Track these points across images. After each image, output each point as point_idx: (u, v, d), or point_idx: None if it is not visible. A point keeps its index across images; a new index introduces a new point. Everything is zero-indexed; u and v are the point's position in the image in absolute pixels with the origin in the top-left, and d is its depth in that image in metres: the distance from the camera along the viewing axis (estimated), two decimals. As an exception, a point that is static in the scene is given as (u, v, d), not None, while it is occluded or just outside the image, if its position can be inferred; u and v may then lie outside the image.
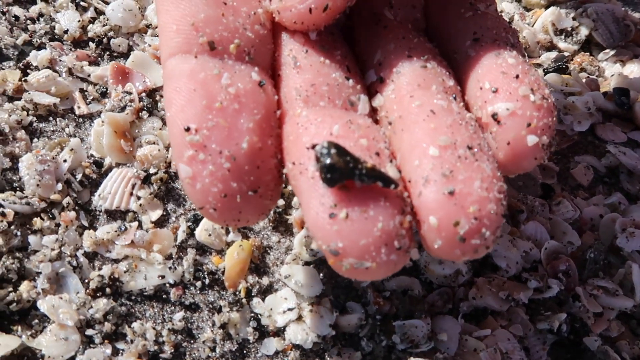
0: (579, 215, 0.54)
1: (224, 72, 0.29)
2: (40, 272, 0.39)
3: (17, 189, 0.43)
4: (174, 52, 0.30)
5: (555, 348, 0.45)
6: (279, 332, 0.42)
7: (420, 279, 0.46)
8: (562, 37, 0.76)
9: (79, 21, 0.57)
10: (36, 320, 0.38)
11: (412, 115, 0.30)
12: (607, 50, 0.75)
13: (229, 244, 0.45)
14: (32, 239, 0.41)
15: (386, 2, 0.36)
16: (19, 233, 0.41)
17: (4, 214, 0.41)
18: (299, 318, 0.42)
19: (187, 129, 0.27)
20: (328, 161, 0.25)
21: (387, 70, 0.33)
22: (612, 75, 0.72)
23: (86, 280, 0.41)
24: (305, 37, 0.33)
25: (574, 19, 0.77)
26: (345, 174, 0.25)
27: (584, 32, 0.76)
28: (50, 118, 0.50)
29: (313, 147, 0.27)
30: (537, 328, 0.45)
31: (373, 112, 0.32)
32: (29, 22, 0.56)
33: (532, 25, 0.77)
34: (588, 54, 0.75)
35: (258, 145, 0.28)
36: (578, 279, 0.49)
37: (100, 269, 0.41)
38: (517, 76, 0.30)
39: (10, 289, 0.38)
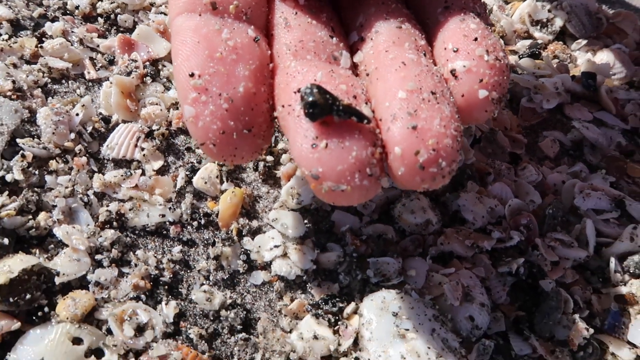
0: (542, 180, 0.61)
1: (224, 28, 0.34)
2: (56, 205, 0.46)
3: (35, 137, 0.50)
4: (181, 11, 0.35)
5: (514, 289, 0.52)
6: (266, 266, 0.48)
7: (394, 227, 0.53)
8: (538, 27, 0.84)
9: (89, -2, 0.64)
10: (52, 245, 0.45)
11: (386, 66, 0.34)
12: (579, 41, 0.83)
13: (222, 192, 0.51)
14: (48, 178, 0.47)
15: None
16: (36, 173, 0.47)
17: (24, 156, 0.47)
18: (284, 254, 0.49)
19: (192, 75, 0.32)
20: (311, 99, 0.30)
21: (367, 30, 0.38)
22: (582, 63, 0.79)
23: (95, 215, 0.47)
24: (295, 2, 0.38)
25: (549, 11, 0.85)
26: (325, 109, 0.30)
27: (558, 23, 0.84)
28: (63, 81, 0.56)
29: (299, 90, 0.32)
30: (499, 272, 0.52)
31: (355, 68, 0.38)
32: (43, -3, 0.63)
33: (511, 17, 0.84)
34: (561, 43, 0.83)
35: (252, 90, 0.33)
36: (538, 233, 0.56)
37: (107, 206, 0.48)
38: (476, 39, 0.35)
39: (30, 217, 0.45)
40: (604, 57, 0.80)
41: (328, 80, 0.33)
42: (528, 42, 0.81)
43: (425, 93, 0.32)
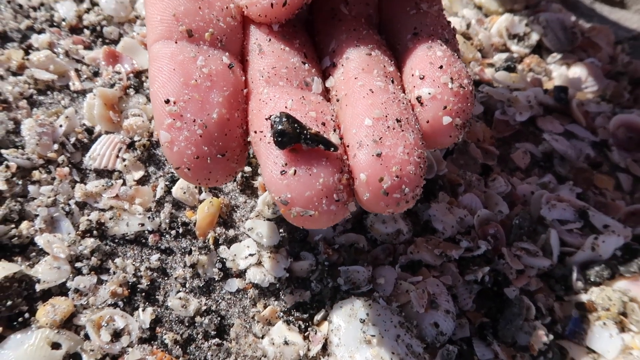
0: (511, 190, 0.63)
1: (199, 55, 0.35)
2: (38, 215, 0.48)
3: (19, 147, 0.51)
4: (158, 38, 0.35)
5: (480, 296, 0.54)
6: (241, 274, 0.50)
7: (366, 236, 0.55)
8: (515, 41, 0.86)
9: (76, 11, 0.66)
10: (33, 254, 0.46)
11: (354, 93, 0.35)
12: (554, 54, 0.86)
13: (201, 201, 0.53)
14: (31, 188, 0.49)
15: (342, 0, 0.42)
16: (20, 183, 0.49)
17: (8, 166, 0.49)
18: (259, 263, 0.51)
19: (167, 101, 0.33)
20: (280, 127, 0.31)
21: (339, 56, 0.39)
22: (557, 76, 0.82)
23: (76, 224, 0.49)
24: (269, 28, 0.39)
25: (526, 25, 0.87)
26: (294, 138, 0.31)
27: (534, 37, 0.86)
28: (48, 92, 0.58)
29: (269, 117, 0.33)
30: (465, 280, 0.54)
31: (327, 92, 0.39)
32: (31, 10, 0.65)
33: (489, 30, 0.87)
34: (537, 56, 0.85)
35: (226, 116, 0.34)
36: (505, 242, 0.58)
37: (88, 215, 0.49)
38: (441, 66, 0.36)
39: (13, 226, 0.47)
40: (577, 70, 0.83)
41: (298, 107, 0.34)
42: (505, 55, 0.84)
43: (390, 121, 0.33)
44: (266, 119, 0.34)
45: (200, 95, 0.33)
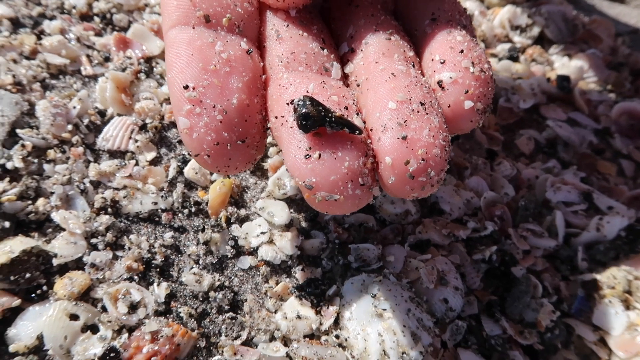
0: (516, 175, 0.64)
1: (217, 41, 0.34)
2: (54, 192, 0.49)
3: (34, 128, 0.52)
4: (175, 24, 0.35)
5: (488, 276, 0.55)
6: (253, 252, 0.51)
7: (375, 217, 0.56)
8: (518, 32, 0.88)
9: (86, -2, 0.67)
10: (50, 229, 0.47)
11: (376, 77, 0.35)
12: (556, 45, 0.87)
13: (212, 182, 0.54)
14: (46, 166, 0.50)
15: None
16: (35, 161, 0.50)
17: (24, 145, 0.50)
18: (270, 241, 0.52)
19: (186, 87, 0.32)
20: (304, 111, 0.30)
21: (357, 42, 0.38)
22: (559, 66, 0.83)
23: (91, 202, 0.50)
24: (287, 14, 0.38)
25: (528, 16, 0.89)
26: (318, 121, 0.30)
27: (536, 28, 0.88)
28: (61, 76, 0.59)
29: (291, 102, 0.33)
30: (473, 259, 0.55)
31: (345, 78, 0.38)
32: (41, -3, 0.66)
33: (492, 22, 0.88)
34: (540, 46, 0.87)
35: (246, 102, 0.33)
36: (511, 223, 0.59)
37: (103, 193, 0.50)
38: (462, 51, 0.36)
39: (29, 202, 0.47)
40: (579, 61, 0.85)
41: (320, 91, 0.34)
42: (508, 45, 0.85)
43: (414, 104, 0.33)
44: (287, 104, 0.33)
45: (219, 81, 0.33)
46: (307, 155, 0.31)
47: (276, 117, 0.34)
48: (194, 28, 0.34)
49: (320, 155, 0.31)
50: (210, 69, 0.33)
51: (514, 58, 0.81)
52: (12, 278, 0.42)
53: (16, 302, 0.42)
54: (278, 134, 0.34)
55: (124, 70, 0.60)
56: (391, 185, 0.32)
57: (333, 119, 0.31)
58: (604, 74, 0.83)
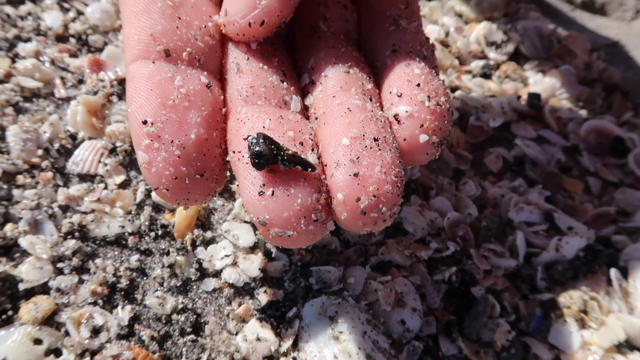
0: (482, 194, 0.66)
1: (177, 75, 0.35)
2: (22, 217, 0.50)
3: (5, 152, 0.54)
4: (135, 58, 0.35)
5: (448, 295, 0.57)
6: (217, 274, 0.53)
7: (339, 238, 0.58)
8: (493, 48, 0.90)
9: (62, 20, 0.69)
10: (17, 254, 0.49)
11: (332, 112, 0.36)
12: (531, 61, 0.89)
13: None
14: (15, 192, 0.52)
15: (321, 16, 0.42)
16: (5, 187, 0.52)
17: (-7, 171, 0.52)
18: (234, 263, 0.53)
19: (145, 122, 0.33)
20: (257, 149, 0.31)
21: (317, 74, 0.39)
22: (533, 82, 0.85)
23: (59, 226, 0.51)
24: (248, 46, 0.39)
25: (504, 33, 0.90)
26: (271, 159, 0.31)
27: (511, 44, 0.90)
28: (34, 99, 0.61)
29: (247, 138, 0.33)
30: (434, 279, 0.57)
31: (306, 110, 0.39)
32: (18, 19, 0.68)
33: (468, 38, 0.90)
34: (514, 63, 0.88)
35: (204, 136, 0.34)
36: (474, 243, 0.61)
37: (71, 217, 0.52)
38: (419, 84, 0.36)
39: (-3, 228, 0.49)
40: (552, 78, 0.86)
41: (276, 126, 0.34)
42: (482, 62, 0.87)
43: (367, 140, 0.34)
44: (244, 139, 0.34)
45: (178, 116, 0.34)
46: (261, 192, 0.32)
47: (234, 152, 0.35)
48: (154, 62, 0.35)
49: (273, 192, 0.32)
50: (168, 104, 0.34)
51: (486, 75, 0.83)
52: (-23, 304, 0.44)
53: (-19, 327, 0.44)
54: (235, 168, 0.34)
55: (95, 93, 0.62)
56: (344, 220, 0.33)
57: (286, 157, 0.32)
58: (577, 90, 0.85)
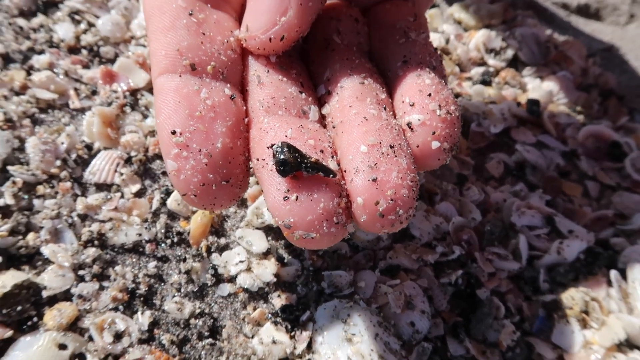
0: (485, 198, 0.68)
1: (202, 88, 0.37)
2: (43, 227, 0.52)
3: (24, 163, 0.56)
4: (163, 71, 0.37)
5: (455, 297, 0.59)
6: (232, 279, 0.55)
7: (348, 243, 0.60)
8: (492, 55, 0.92)
9: (74, 32, 0.70)
10: (40, 263, 0.51)
11: (350, 121, 0.37)
12: (529, 68, 0.91)
13: (194, 212, 0.58)
14: (36, 202, 0.54)
15: (334, 29, 0.44)
16: (26, 197, 0.54)
17: (14, 182, 0.53)
18: (248, 269, 0.55)
19: (174, 132, 0.35)
20: (281, 157, 0.33)
21: (333, 85, 0.41)
22: (531, 88, 0.87)
23: (79, 235, 0.53)
24: (267, 59, 0.41)
25: (503, 40, 0.93)
26: (295, 166, 0.33)
27: (510, 51, 0.92)
28: (50, 110, 0.63)
29: (271, 146, 0.35)
30: (441, 282, 0.59)
31: (323, 118, 0.41)
32: (31, 31, 0.70)
33: (468, 45, 0.92)
34: (513, 69, 0.91)
35: (229, 145, 0.36)
36: (478, 247, 0.63)
37: (90, 226, 0.54)
38: (430, 94, 0.38)
39: (20, 237, 0.51)
40: (550, 83, 0.89)
41: (298, 136, 0.36)
42: (482, 69, 0.89)
43: (384, 147, 0.35)
44: (268, 148, 0.36)
45: (204, 126, 0.36)
46: (286, 197, 0.34)
47: (257, 160, 0.36)
48: (180, 76, 0.37)
49: (297, 197, 0.33)
50: (196, 115, 0.36)
51: (486, 82, 0.85)
52: (4, 311, 0.46)
53: (8, 333, 0.46)
54: (259, 175, 0.36)
55: (109, 104, 0.64)
56: (363, 223, 0.35)
57: (309, 164, 0.34)
58: (574, 95, 0.87)
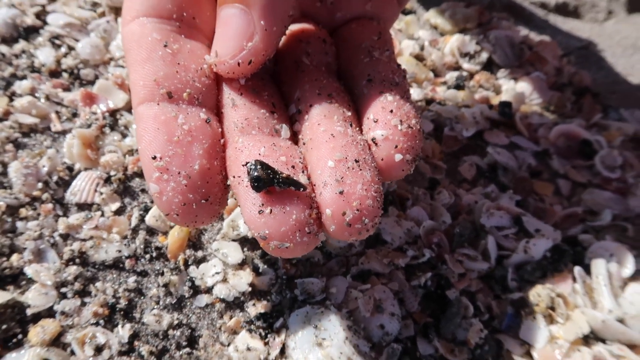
0: (456, 201, 0.71)
1: (179, 114, 0.39)
2: (26, 247, 0.55)
3: (7, 187, 0.59)
4: (142, 101, 0.40)
5: (426, 299, 0.62)
6: (209, 290, 0.58)
7: (321, 251, 0.62)
8: (467, 59, 0.95)
9: (54, 56, 0.74)
10: (24, 282, 0.54)
11: (318, 138, 0.40)
12: (503, 70, 0.94)
13: (172, 227, 0.61)
14: (19, 224, 0.57)
15: (304, 51, 0.47)
16: (9, 220, 0.57)
17: (-2, 206, 0.57)
18: (224, 280, 0.58)
19: (154, 157, 0.37)
20: (255, 174, 0.36)
21: (303, 104, 0.44)
22: (505, 90, 0.90)
23: (61, 254, 0.56)
24: (240, 84, 0.43)
25: (477, 43, 0.96)
26: (268, 182, 0.36)
27: (484, 54, 0.95)
28: (32, 134, 0.66)
29: (246, 164, 0.38)
30: (412, 285, 0.62)
31: (295, 135, 0.43)
32: (13, 57, 0.73)
33: (442, 50, 0.95)
34: (487, 72, 0.94)
35: (207, 166, 0.39)
36: (449, 249, 0.66)
37: (71, 245, 0.57)
38: (392, 110, 0.41)
39: (4, 259, 0.54)
40: (523, 85, 0.91)
41: (270, 153, 0.39)
42: (457, 73, 0.92)
43: (350, 162, 0.38)
44: (243, 166, 0.38)
45: (182, 150, 0.38)
46: (261, 210, 0.36)
47: (234, 177, 0.39)
48: (158, 104, 0.39)
49: (271, 210, 0.36)
50: (174, 140, 0.38)
51: (459, 87, 0.88)
52: (-10, 330, 0.49)
53: (-5, 350, 0.49)
54: (236, 191, 0.39)
55: (89, 126, 0.67)
56: (332, 232, 0.38)
57: (280, 180, 0.36)
58: (547, 95, 0.90)
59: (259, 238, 0.36)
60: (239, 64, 0.41)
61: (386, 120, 0.41)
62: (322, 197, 0.38)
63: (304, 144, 0.42)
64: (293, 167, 0.39)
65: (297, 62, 0.47)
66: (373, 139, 0.41)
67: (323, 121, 0.42)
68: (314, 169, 0.39)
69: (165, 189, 0.37)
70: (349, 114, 0.43)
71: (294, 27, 0.49)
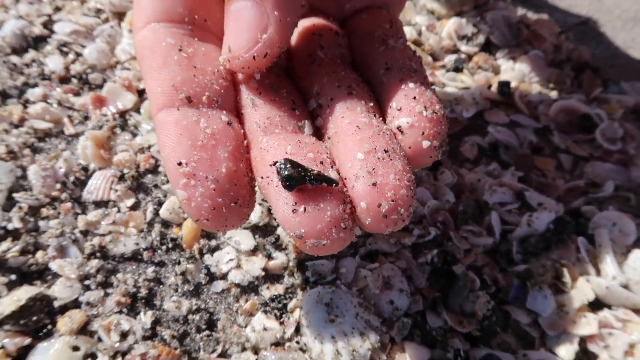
0: (459, 181, 0.73)
1: (200, 118, 0.39)
2: (50, 245, 0.59)
3: (28, 190, 0.63)
4: (161, 107, 0.39)
5: (433, 275, 0.64)
6: (224, 276, 0.61)
7: (330, 234, 0.65)
8: (465, 41, 0.97)
9: (63, 63, 0.77)
10: (50, 277, 0.58)
11: (344, 131, 0.40)
12: (502, 50, 0.96)
13: (185, 219, 0.64)
14: (41, 223, 0.61)
15: (317, 45, 0.47)
16: (32, 220, 0.61)
17: (20, 207, 0.60)
18: (238, 266, 0.61)
19: (179, 164, 0.37)
20: (286, 173, 0.35)
21: (323, 98, 0.43)
22: (504, 70, 0.92)
23: (82, 249, 0.60)
24: (257, 83, 0.43)
25: (474, 25, 0.98)
26: (299, 180, 0.35)
27: (482, 36, 0.97)
28: (47, 139, 0.70)
29: (274, 164, 0.37)
30: (419, 262, 0.64)
31: (317, 131, 0.43)
32: (24, 67, 0.76)
33: (440, 34, 0.97)
34: (485, 53, 0.96)
35: (233, 168, 0.38)
36: (453, 227, 0.68)
37: (91, 240, 0.61)
38: (415, 97, 0.41)
39: (30, 256, 0.58)
40: (522, 64, 0.93)
41: (297, 151, 0.39)
42: (455, 56, 0.94)
43: (379, 152, 0.38)
44: (270, 165, 0.38)
45: (208, 154, 0.38)
46: (294, 209, 0.36)
47: (262, 178, 0.38)
48: (178, 109, 0.39)
49: (305, 208, 0.36)
50: (198, 145, 0.38)
51: (458, 69, 0.90)
52: (22, 322, 0.53)
53: (27, 341, 0.53)
54: (266, 192, 0.38)
55: (101, 128, 0.70)
56: (369, 225, 0.37)
57: (312, 177, 0.36)
58: (546, 73, 0.92)
59: (295, 237, 0.36)
60: (254, 57, 0.39)
61: (410, 107, 0.41)
62: (355, 190, 0.37)
63: (328, 138, 0.42)
64: (322, 162, 0.39)
65: (312, 56, 0.47)
66: (399, 127, 0.40)
67: (346, 113, 0.41)
68: (343, 162, 0.38)
69: (194, 195, 0.37)
70: (371, 104, 0.43)
71: (304, 22, 0.49)
